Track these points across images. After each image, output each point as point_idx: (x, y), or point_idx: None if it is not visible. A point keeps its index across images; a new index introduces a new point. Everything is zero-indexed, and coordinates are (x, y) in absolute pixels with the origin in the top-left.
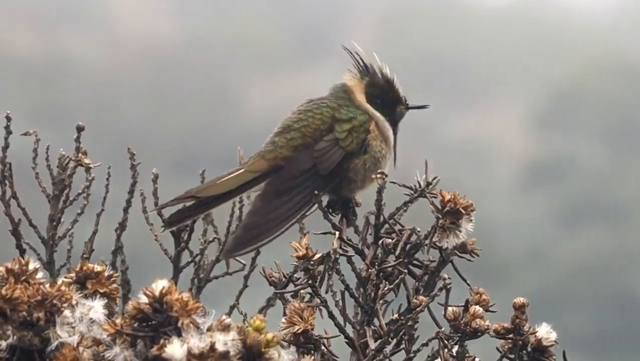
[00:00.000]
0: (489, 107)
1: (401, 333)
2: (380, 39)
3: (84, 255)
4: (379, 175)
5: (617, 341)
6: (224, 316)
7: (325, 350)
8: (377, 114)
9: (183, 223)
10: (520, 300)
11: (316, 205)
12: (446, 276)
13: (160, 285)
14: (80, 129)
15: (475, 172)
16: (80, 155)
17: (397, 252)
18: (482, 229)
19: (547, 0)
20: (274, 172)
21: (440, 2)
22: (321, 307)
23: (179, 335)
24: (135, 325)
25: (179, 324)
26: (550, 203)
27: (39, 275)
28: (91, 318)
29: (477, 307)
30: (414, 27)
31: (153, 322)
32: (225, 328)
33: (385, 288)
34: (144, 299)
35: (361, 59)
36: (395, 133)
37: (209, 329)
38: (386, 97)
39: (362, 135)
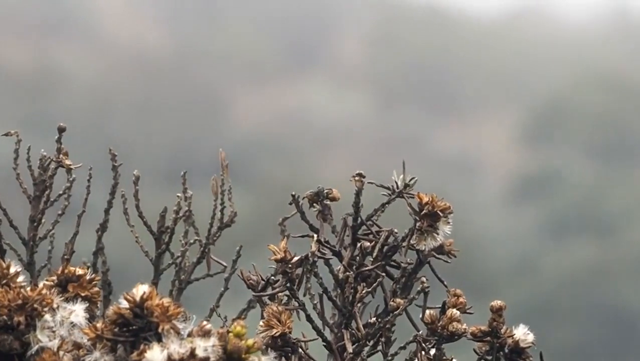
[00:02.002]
0: (478, 120)
1: (378, 335)
2: (370, 51)
3: (65, 256)
4: (357, 178)
5: (603, 352)
6: (205, 322)
7: (303, 353)
8: None
9: None
10: (497, 302)
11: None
12: (424, 279)
13: (141, 290)
14: (61, 130)
15: (463, 185)
16: (61, 156)
17: (375, 254)
18: (471, 241)
19: (537, 15)
20: None
21: (429, 16)
22: (299, 310)
23: (159, 340)
24: (116, 329)
25: (160, 329)
26: (538, 216)
27: (20, 278)
28: (72, 322)
29: (454, 310)
30: (403, 39)
31: (133, 327)
32: (206, 334)
33: (363, 291)
34: (124, 304)
35: None
36: None
37: (189, 335)
38: None
39: None
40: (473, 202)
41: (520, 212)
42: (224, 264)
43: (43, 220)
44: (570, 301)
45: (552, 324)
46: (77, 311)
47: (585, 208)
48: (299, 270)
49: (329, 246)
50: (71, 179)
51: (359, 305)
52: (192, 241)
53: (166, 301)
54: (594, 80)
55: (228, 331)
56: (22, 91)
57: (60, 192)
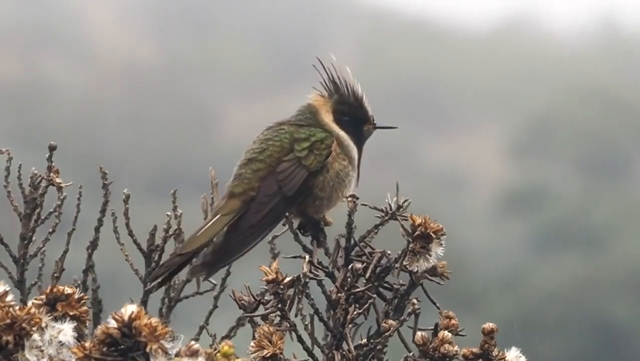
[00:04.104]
0: (466, 134)
1: (370, 356)
2: (358, 64)
3: (55, 274)
4: (349, 199)
5: None
6: (192, 342)
7: None
8: (342, 133)
9: (171, 278)
10: (489, 325)
11: (286, 226)
12: (415, 301)
13: (129, 309)
14: (52, 148)
15: (451, 199)
16: (52, 174)
17: (368, 275)
18: (459, 255)
19: (526, 30)
20: (247, 205)
21: (419, 30)
22: (290, 331)
23: (147, 359)
24: (104, 349)
25: (148, 349)
26: (526, 230)
27: (9, 297)
28: (60, 341)
29: (446, 332)
30: (392, 52)
31: (121, 347)
32: (194, 354)
33: (355, 313)
34: (113, 323)
35: (332, 76)
36: (359, 152)
37: (177, 354)
38: (354, 115)
39: (324, 152)
40: (461, 216)
41: (508, 225)
42: (214, 282)
43: (34, 238)
44: (558, 315)
45: (540, 337)
46: (66, 331)
47: (573, 222)
48: (291, 291)
49: (321, 267)
50: (62, 197)
51: (350, 326)
52: None
53: (154, 320)
54: (581, 95)
55: (216, 351)
56: (11, 104)
57: (51, 210)
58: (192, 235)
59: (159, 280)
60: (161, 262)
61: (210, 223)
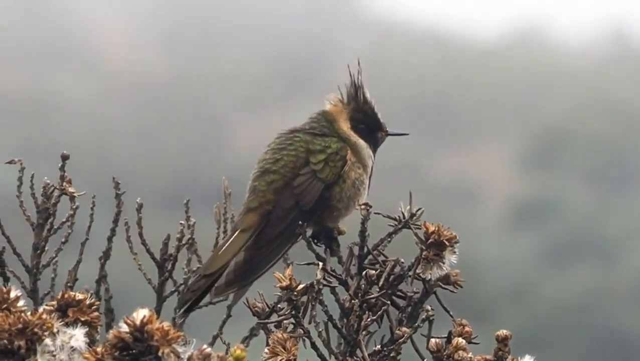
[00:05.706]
0: (478, 146)
1: None
2: (368, 76)
3: (68, 284)
4: (363, 206)
5: None
6: (205, 346)
7: None
8: (360, 141)
9: (199, 302)
10: (503, 332)
11: (301, 236)
12: (429, 308)
13: (141, 314)
14: (64, 158)
15: (463, 211)
16: (64, 183)
17: (381, 283)
18: (471, 267)
19: (537, 42)
20: (265, 218)
21: (429, 42)
22: (304, 338)
23: None
24: (116, 353)
25: (160, 353)
26: (537, 242)
27: (21, 303)
28: (72, 346)
29: (460, 339)
30: (402, 65)
31: (133, 351)
32: (206, 358)
33: (368, 320)
34: (125, 328)
35: (350, 84)
36: (373, 160)
37: (189, 358)
38: (369, 123)
39: (339, 163)
40: (473, 228)
41: (520, 237)
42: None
43: (46, 248)
44: (569, 327)
45: (551, 350)
46: (77, 336)
47: (584, 234)
48: (305, 298)
49: (335, 274)
50: (74, 207)
51: (364, 333)
52: (194, 269)
53: (166, 325)
54: (593, 107)
55: (229, 355)
56: (22, 117)
57: (64, 220)
58: (214, 253)
59: (188, 304)
60: (175, 275)
61: (230, 241)
